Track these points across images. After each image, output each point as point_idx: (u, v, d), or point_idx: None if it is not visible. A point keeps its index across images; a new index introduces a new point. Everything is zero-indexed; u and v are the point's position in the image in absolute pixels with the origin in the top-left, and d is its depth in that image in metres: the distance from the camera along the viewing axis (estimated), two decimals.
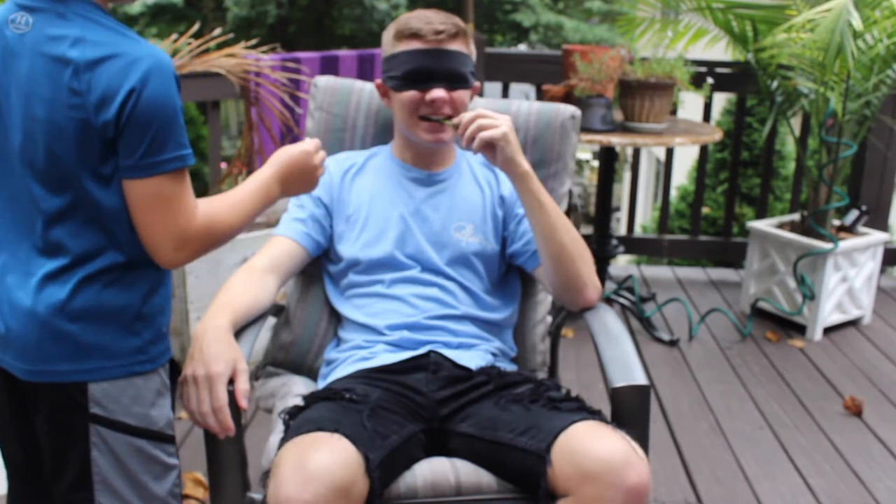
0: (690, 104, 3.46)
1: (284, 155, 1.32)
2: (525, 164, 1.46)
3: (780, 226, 3.32)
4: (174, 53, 2.17)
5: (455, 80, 1.53)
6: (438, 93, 1.52)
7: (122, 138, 1.06)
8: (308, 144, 1.34)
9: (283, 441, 1.27)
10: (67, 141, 1.06)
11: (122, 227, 1.11)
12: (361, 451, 1.22)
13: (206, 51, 2.26)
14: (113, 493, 1.16)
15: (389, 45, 1.56)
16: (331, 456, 1.19)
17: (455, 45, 1.53)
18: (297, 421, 1.32)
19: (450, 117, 1.52)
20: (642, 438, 1.29)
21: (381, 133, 1.80)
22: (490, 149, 1.44)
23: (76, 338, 1.11)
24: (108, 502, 1.16)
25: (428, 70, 1.51)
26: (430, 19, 1.52)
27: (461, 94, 1.55)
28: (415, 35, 1.51)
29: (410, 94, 1.53)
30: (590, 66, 2.82)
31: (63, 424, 1.14)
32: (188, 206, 1.12)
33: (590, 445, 1.24)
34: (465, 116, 1.45)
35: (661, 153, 5.83)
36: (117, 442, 1.15)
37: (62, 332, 1.11)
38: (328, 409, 1.33)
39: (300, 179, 1.33)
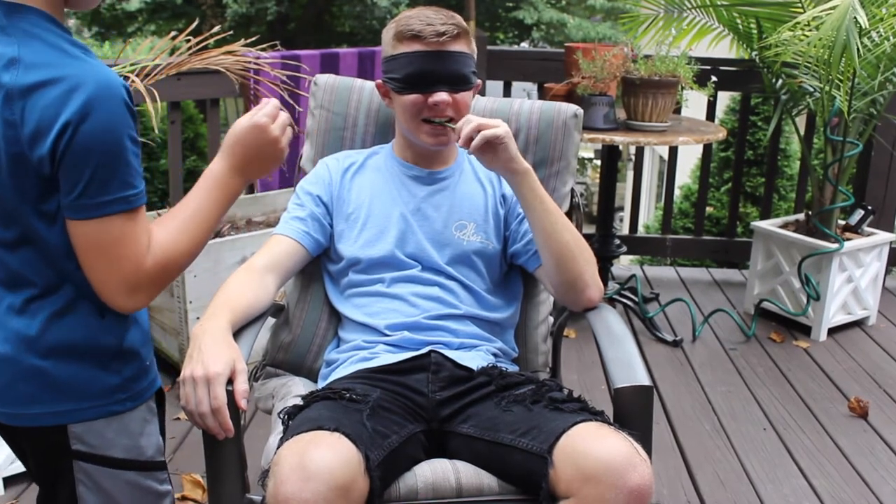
0: (694, 103, 3.44)
1: (232, 137, 1.15)
2: (525, 163, 1.45)
3: (785, 225, 3.30)
4: (173, 51, 2.15)
5: (457, 82, 1.51)
6: (441, 96, 1.50)
7: (59, 175, 0.94)
8: (259, 116, 1.16)
9: (283, 440, 1.25)
10: (2, 175, 0.95)
11: (73, 265, 1.00)
12: (361, 450, 1.21)
13: (205, 48, 2.24)
14: None
15: (390, 45, 1.54)
16: (331, 454, 1.18)
17: (457, 46, 1.51)
18: (297, 420, 1.31)
19: (452, 119, 1.51)
20: (645, 440, 1.28)
21: (382, 131, 1.79)
22: (488, 149, 1.42)
23: (48, 376, 1.02)
24: None
25: (430, 73, 1.49)
26: (432, 20, 1.49)
27: (464, 96, 1.53)
28: (416, 37, 1.49)
29: (413, 97, 1.51)
30: (592, 63, 2.80)
31: (46, 461, 1.08)
32: (137, 250, 0.99)
33: (592, 446, 1.22)
34: (462, 123, 1.43)
35: (664, 152, 5.81)
36: (105, 477, 1.08)
37: (33, 369, 1.02)
38: (328, 409, 1.32)
39: (260, 158, 1.16)
